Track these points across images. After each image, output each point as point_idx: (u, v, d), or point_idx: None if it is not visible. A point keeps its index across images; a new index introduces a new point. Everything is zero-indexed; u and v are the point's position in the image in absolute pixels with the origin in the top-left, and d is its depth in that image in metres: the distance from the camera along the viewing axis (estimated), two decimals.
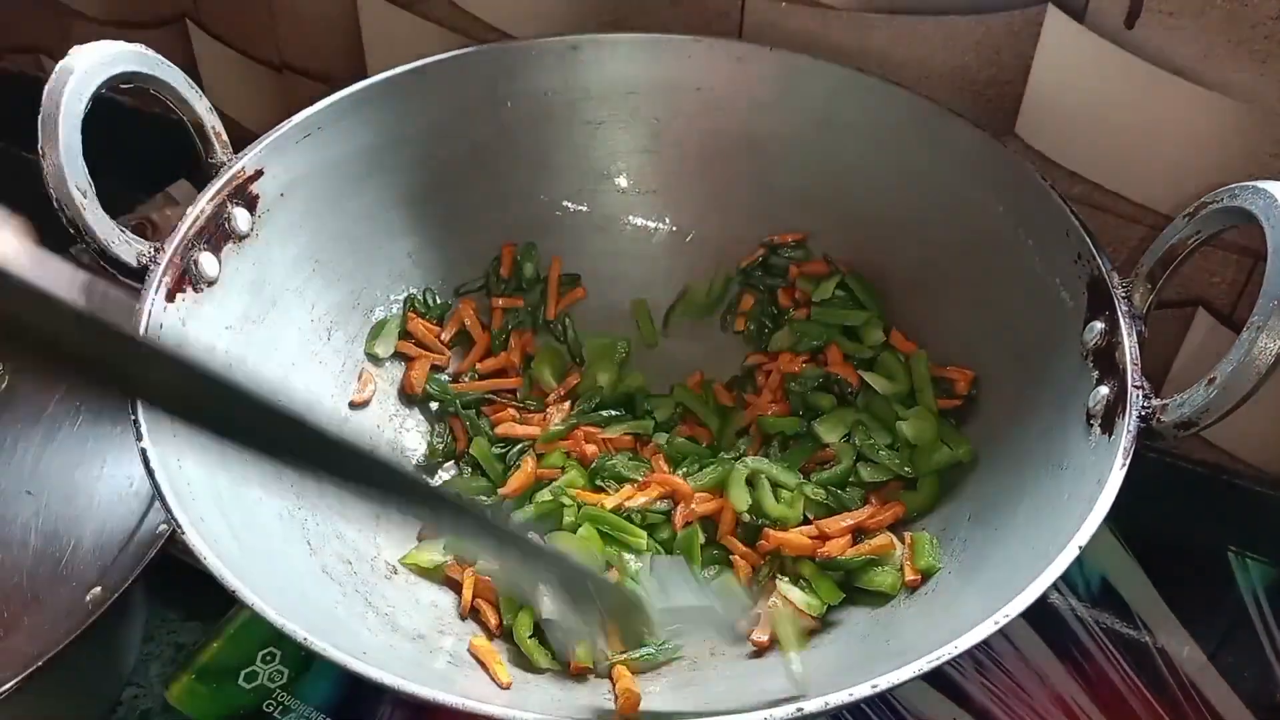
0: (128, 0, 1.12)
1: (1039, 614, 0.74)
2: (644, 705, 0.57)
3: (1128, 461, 0.54)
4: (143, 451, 0.54)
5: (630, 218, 0.85)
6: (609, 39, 0.80)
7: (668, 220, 0.85)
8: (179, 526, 0.51)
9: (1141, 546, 0.77)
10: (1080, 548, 0.51)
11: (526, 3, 0.90)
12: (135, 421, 0.55)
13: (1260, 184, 0.54)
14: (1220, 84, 0.69)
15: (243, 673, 0.70)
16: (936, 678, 0.70)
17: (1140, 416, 0.55)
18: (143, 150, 0.97)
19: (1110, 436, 0.56)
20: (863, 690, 0.46)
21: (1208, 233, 0.58)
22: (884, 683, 0.46)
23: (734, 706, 0.45)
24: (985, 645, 0.71)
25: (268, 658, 0.70)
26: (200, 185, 0.67)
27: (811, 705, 0.45)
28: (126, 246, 0.62)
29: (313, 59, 1.05)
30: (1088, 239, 0.64)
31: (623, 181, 0.84)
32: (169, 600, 0.77)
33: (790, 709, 0.45)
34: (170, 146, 0.93)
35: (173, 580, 0.77)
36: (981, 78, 0.77)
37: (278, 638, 0.70)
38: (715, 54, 0.79)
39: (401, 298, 0.80)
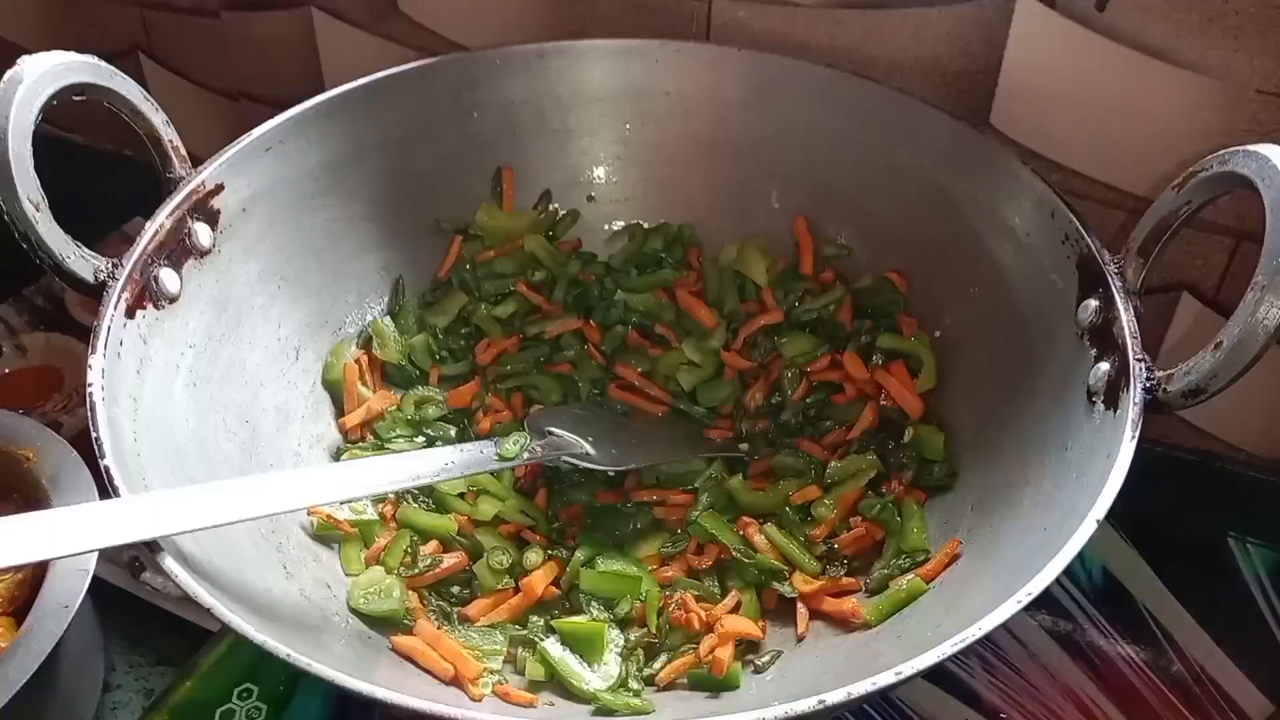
0: (76, 32, 1.10)
1: (1045, 608, 0.72)
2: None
3: (1137, 434, 0.52)
4: (106, 470, 0.51)
5: (604, 226, 0.83)
6: (575, 46, 0.79)
7: (643, 226, 0.83)
8: (151, 546, 0.48)
9: (1141, 537, 0.76)
10: (1098, 521, 0.49)
11: (488, 17, 0.89)
12: (96, 439, 0.52)
13: (1252, 147, 0.53)
14: (1194, 62, 0.68)
15: (219, 711, 0.66)
16: (945, 678, 0.68)
17: (1145, 388, 0.54)
18: (96, 190, 0.94)
19: (1115, 411, 0.55)
20: (886, 678, 0.43)
21: (1199, 202, 0.57)
22: (908, 669, 0.44)
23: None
24: (992, 643, 0.70)
25: (244, 694, 0.67)
26: None
27: (834, 696, 0.43)
28: (83, 262, 0.59)
29: (269, 85, 1.03)
30: (1074, 219, 0.63)
31: (594, 190, 0.83)
32: (137, 643, 0.74)
33: (811, 701, 0.42)
34: (124, 184, 0.91)
35: (139, 622, 0.74)
36: (954, 69, 0.76)
37: (254, 673, 0.68)
38: (683, 58, 0.78)
39: (373, 315, 0.78)
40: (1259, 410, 0.79)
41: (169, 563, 0.48)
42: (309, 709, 0.66)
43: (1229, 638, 0.71)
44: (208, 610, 0.46)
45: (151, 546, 0.48)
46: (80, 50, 0.60)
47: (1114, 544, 0.76)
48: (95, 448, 0.51)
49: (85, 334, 0.90)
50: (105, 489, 0.51)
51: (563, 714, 0.58)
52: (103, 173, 1.13)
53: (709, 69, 0.78)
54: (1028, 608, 0.47)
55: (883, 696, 0.67)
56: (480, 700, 0.57)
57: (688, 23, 0.82)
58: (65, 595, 0.63)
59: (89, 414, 0.53)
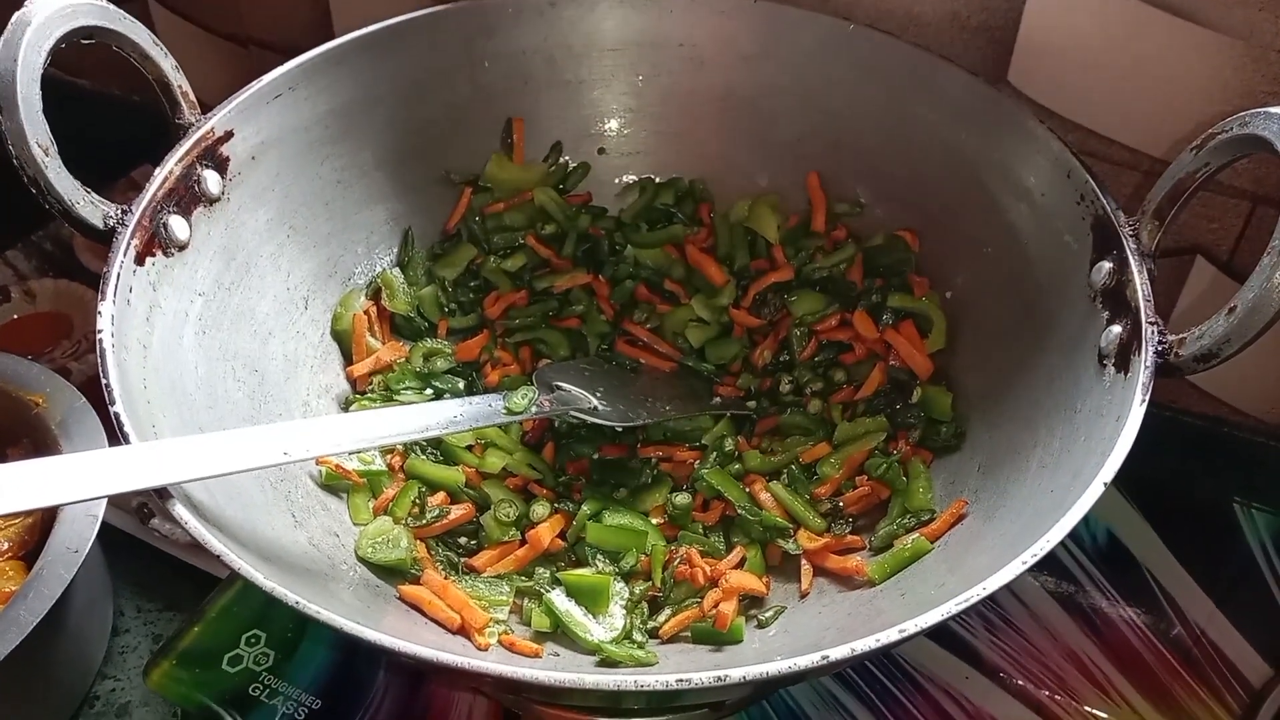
0: None
1: (1049, 570, 0.72)
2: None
3: (1147, 397, 0.52)
4: (116, 416, 0.51)
5: (614, 179, 0.83)
6: None
7: (654, 180, 0.83)
8: (161, 493, 0.48)
9: (1146, 501, 0.76)
10: (1105, 484, 0.49)
11: None
12: (106, 385, 0.52)
13: (1273, 109, 0.52)
14: (1216, 21, 0.67)
15: (226, 656, 0.67)
16: (947, 637, 0.69)
17: (1157, 351, 0.54)
18: (104, 135, 0.94)
19: (1126, 374, 0.55)
20: (890, 635, 0.44)
21: (1216, 164, 0.56)
22: (911, 627, 0.44)
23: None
24: (995, 604, 0.70)
25: (252, 640, 0.67)
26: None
27: (838, 652, 0.43)
28: (92, 207, 0.59)
29: (278, 32, 1.02)
30: (1090, 180, 0.62)
31: (605, 143, 0.82)
32: (145, 589, 0.75)
33: (815, 656, 0.43)
34: (132, 130, 0.90)
35: (147, 567, 0.75)
36: (972, 24, 0.75)
37: (262, 619, 0.68)
38: (697, 8, 0.77)
39: (382, 266, 0.77)
40: (1268, 376, 0.79)
41: (179, 509, 0.48)
42: (316, 655, 0.67)
43: (1231, 602, 0.71)
44: (217, 557, 0.46)
45: (161, 493, 0.49)
46: None
47: (1119, 507, 0.76)
48: (105, 394, 0.52)
49: (94, 280, 0.90)
50: (115, 435, 0.51)
51: (567, 664, 0.58)
52: (111, 118, 1.13)
53: (723, 20, 0.77)
54: (1032, 569, 0.48)
55: (885, 654, 0.67)
56: (486, 649, 0.58)
57: None
58: (75, 540, 0.64)
59: (99, 360, 0.53)
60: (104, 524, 0.64)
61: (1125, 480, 0.75)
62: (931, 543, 0.61)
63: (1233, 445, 0.81)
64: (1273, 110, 0.53)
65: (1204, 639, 0.69)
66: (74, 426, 0.69)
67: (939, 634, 0.69)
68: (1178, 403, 0.82)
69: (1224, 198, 0.73)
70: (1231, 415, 0.82)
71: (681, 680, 0.42)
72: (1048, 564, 0.71)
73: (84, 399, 0.70)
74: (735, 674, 0.42)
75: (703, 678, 0.42)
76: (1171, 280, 0.78)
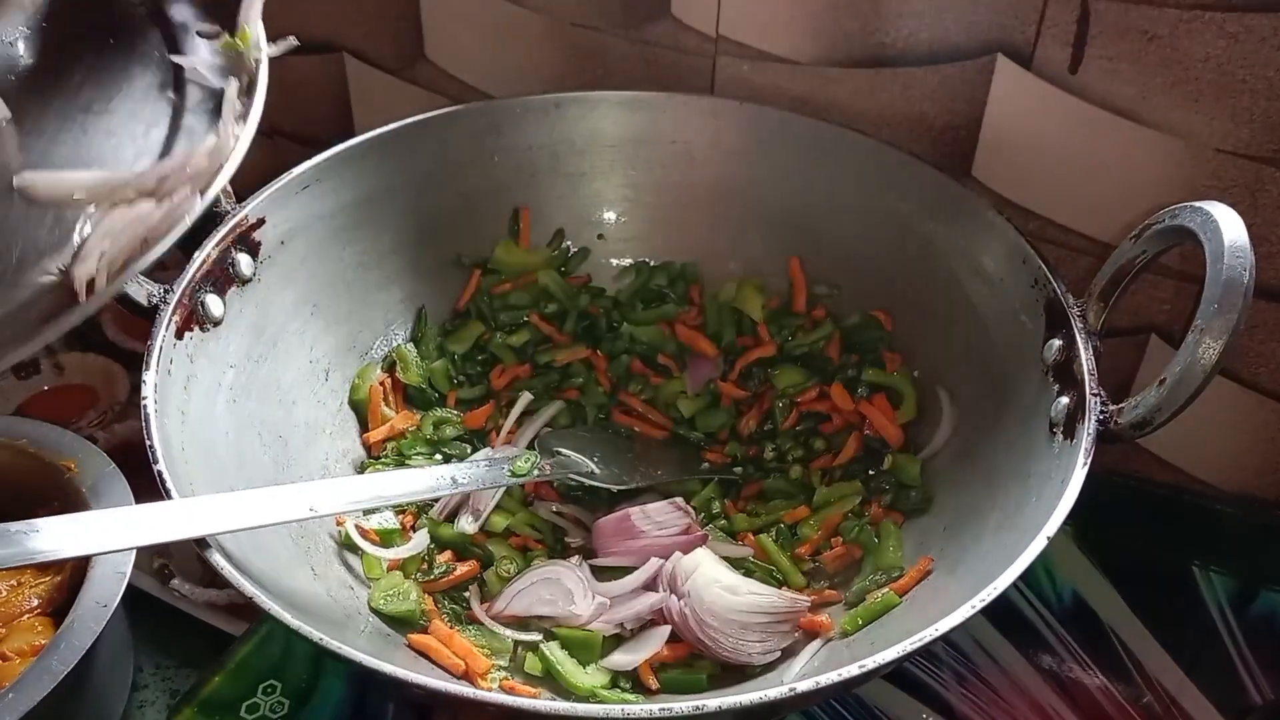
0: None
1: (1017, 628, 0.76)
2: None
3: (1089, 461, 0.57)
4: (159, 474, 0.56)
5: (612, 262, 0.89)
6: (590, 96, 0.85)
7: (649, 264, 0.89)
8: (201, 543, 0.53)
9: (1111, 565, 0.80)
10: (1048, 538, 0.54)
11: (510, 66, 0.95)
12: (150, 446, 0.57)
13: (1197, 204, 0.59)
14: (1158, 122, 0.74)
15: (244, 705, 0.71)
16: (919, 687, 0.72)
17: (1099, 420, 0.59)
18: None
19: (1072, 441, 0.60)
20: (850, 670, 0.49)
21: (1153, 252, 0.63)
22: (871, 663, 0.49)
23: None
24: (965, 658, 0.74)
25: (269, 689, 0.72)
26: (188, 251, 0.70)
27: (804, 685, 0.48)
28: (137, 287, 0.65)
29: (302, 124, 1.09)
30: (1042, 265, 0.68)
31: (604, 230, 0.89)
32: (163, 646, 0.78)
33: (783, 689, 0.47)
34: None
35: (166, 626, 0.79)
36: (939, 124, 0.82)
37: (278, 670, 0.73)
38: (689, 109, 0.85)
39: (397, 341, 0.83)
40: (1224, 447, 0.84)
41: (216, 558, 0.53)
42: (328, 704, 0.71)
43: (1190, 659, 0.75)
44: (249, 599, 0.51)
45: (201, 544, 0.54)
46: None
47: (1084, 569, 0.80)
48: (149, 454, 0.57)
49: (119, 355, 0.96)
50: (141, 499, 0.56)
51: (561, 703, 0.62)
52: None
53: (712, 120, 0.84)
54: (1002, 628, 0.52)
55: (861, 704, 0.71)
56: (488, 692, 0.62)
57: (694, 76, 0.88)
58: (104, 595, 0.67)
59: (144, 425, 0.58)
60: (127, 583, 0.68)
61: (1091, 544, 0.80)
62: (900, 597, 0.65)
63: (1192, 512, 0.85)
64: (1198, 205, 0.59)
65: (1164, 695, 0.73)
66: (104, 490, 0.73)
67: (914, 685, 0.73)
68: (1141, 472, 0.87)
69: (1173, 281, 0.79)
70: (1191, 484, 0.86)
71: (664, 709, 0.47)
72: (1017, 622, 0.76)
73: (113, 464, 0.75)
74: (712, 704, 0.47)
75: (683, 707, 0.47)
76: (1129, 357, 0.83)
